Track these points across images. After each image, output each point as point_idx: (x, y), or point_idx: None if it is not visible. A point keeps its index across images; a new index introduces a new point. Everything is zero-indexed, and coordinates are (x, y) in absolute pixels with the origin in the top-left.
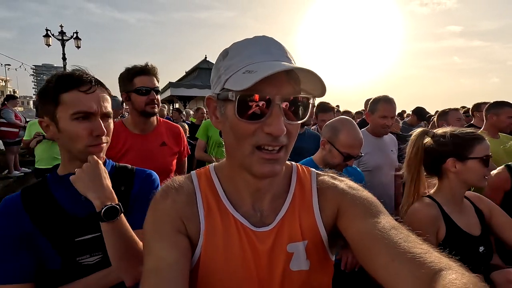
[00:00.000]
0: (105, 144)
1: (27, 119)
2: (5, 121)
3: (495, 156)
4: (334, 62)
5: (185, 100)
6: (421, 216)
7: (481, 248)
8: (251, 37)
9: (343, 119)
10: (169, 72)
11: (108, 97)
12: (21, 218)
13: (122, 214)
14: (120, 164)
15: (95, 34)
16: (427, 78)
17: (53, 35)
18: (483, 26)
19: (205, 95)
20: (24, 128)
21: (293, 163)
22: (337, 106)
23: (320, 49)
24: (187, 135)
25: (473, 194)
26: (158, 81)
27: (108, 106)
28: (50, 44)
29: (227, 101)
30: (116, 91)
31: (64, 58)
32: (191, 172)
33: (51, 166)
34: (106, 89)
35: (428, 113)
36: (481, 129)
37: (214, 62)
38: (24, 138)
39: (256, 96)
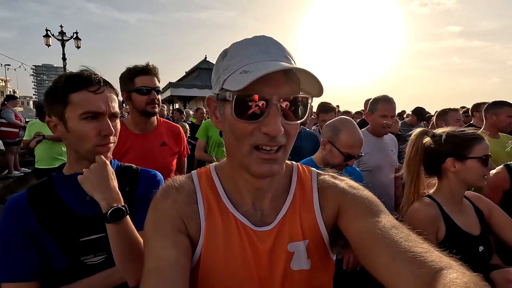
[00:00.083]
0: (112, 144)
1: (27, 119)
2: (5, 121)
3: (495, 156)
4: (334, 62)
5: (185, 100)
6: (421, 216)
7: (481, 248)
8: (251, 37)
9: (343, 119)
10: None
11: (116, 98)
12: (27, 217)
13: (128, 215)
14: (125, 164)
15: (95, 34)
16: (427, 78)
17: (53, 35)
18: (483, 26)
19: (205, 95)
20: (24, 128)
21: (293, 162)
22: (337, 106)
23: (320, 49)
24: (188, 135)
25: (473, 194)
26: (159, 81)
27: (116, 106)
28: (50, 44)
29: (225, 101)
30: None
31: (64, 58)
32: (192, 171)
33: (51, 166)
34: (114, 89)
35: (428, 113)
36: (481, 129)
37: (214, 62)
38: (24, 138)
39: (253, 96)
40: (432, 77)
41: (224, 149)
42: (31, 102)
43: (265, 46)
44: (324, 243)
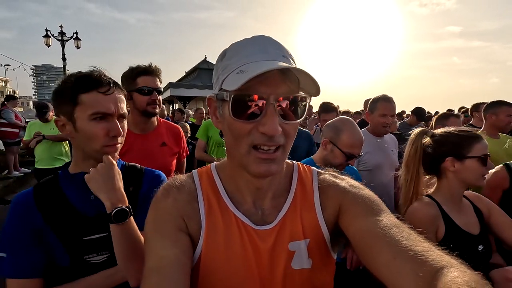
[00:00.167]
0: (120, 145)
1: (27, 120)
2: (5, 121)
3: (495, 156)
4: (334, 62)
5: (185, 100)
6: (420, 216)
7: (480, 247)
8: (250, 37)
9: (344, 119)
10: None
11: (124, 98)
12: (33, 215)
13: (132, 216)
14: (130, 163)
15: (95, 34)
16: (427, 78)
17: (53, 35)
18: (483, 27)
19: (205, 95)
20: (24, 128)
21: (294, 162)
22: (337, 106)
23: (320, 49)
24: (189, 135)
25: (472, 193)
26: (160, 82)
27: (124, 107)
28: (50, 44)
29: (224, 101)
30: None
31: (64, 59)
32: (193, 171)
33: (51, 166)
34: (122, 90)
35: (429, 113)
36: (481, 130)
37: (214, 63)
38: (24, 139)
39: (250, 96)
40: (432, 77)
41: (225, 149)
42: (31, 102)
43: (263, 45)
44: (325, 242)
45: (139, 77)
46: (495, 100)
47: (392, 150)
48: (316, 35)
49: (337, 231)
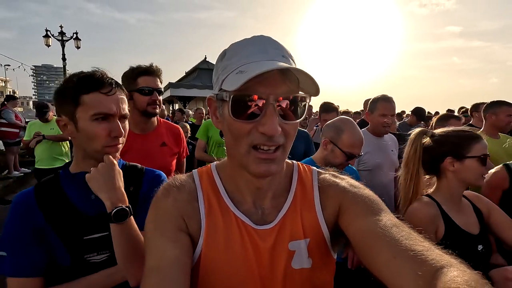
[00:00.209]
0: (121, 145)
1: (27, 120)
2: (5, 121)
3: (495, 156)
4: (334, 62)
5: (184, 100)
6: (420, 215)
7: (480, 247)
8: (249, 37)
9: (344, 119)
10: (169, 72)
11: (126, 99)
12: (34, 214)
13: (132, 216)
14: (130, 163)
15: (95, 34)
16: (427, 78)
17: (53, 35)
18: (483, 27)
19: (204, 95)
20: (24, 128)
21: (294, 161)
22: (337, 106)
23: (320, 49)
24: (189, 135)
25: (472, 193)
26: (161, 82)
27: (126, 107)
28: (50, 44)
29: (223, 101)
30: None
31: (64, 59)
32: (193, 170)
33: (51, 166)
34: (124, 90)
35: (429, 113)
36: (481, 130)
37: (213, 63)
38: (24, 139)
39: (249, 96)
40: (432, 77)
41: (225, 148)
42: (30, 103)
43: (263, 45)
44: (325, 241)
45: (140, 77)
46: (495, 100)
47: (392, 150)
48: (316, 35)
49: (337, 230)
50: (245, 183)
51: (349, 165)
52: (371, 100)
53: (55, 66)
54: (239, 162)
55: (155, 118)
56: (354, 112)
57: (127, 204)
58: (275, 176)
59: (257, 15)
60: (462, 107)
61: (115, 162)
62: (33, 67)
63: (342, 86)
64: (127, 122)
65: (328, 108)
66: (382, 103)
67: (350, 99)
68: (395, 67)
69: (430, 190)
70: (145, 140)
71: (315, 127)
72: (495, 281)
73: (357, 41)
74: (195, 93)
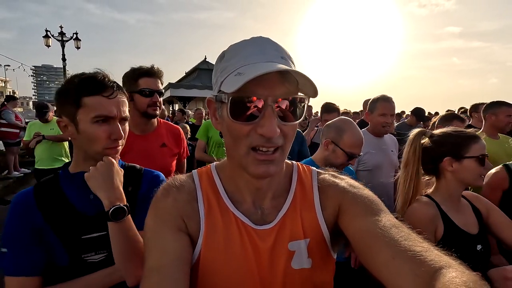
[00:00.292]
0: (120, 147)
1: (27, 120)
2: (5, 122)
3: (495, 156)
4: (334, 62)
5: (184, 101)
6: (419, 215)
7: (479, 247)
8: (248, 38)
9: (344, 120)
10: (168, 73)
11: (126, 101)
12: (33, 214)
13: (130, 215)
14: (129, 163)
15: (94, 34)
16: (427, 78)
17: (53, 35)
18: (483, 27)
19: (204, 95)
20: (24, 129)
21: (293, 162)
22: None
23: (320, 49)
24: (189, 136)
25: (471, 193)
26: (162, 84)
27: (126, 110)
28: (50, 45)
29: (222, 103)
30: None
31: (64, 59)
32: (193, 171)
33: (51, 167)
34: (125, 93)
35: (429, 113)
36: (481, 130)
37: (213, 63)
38: (24, 139)
39: (248, 98)
40: (432, 78)
41: (225, 149)
42: (30, 103)
43: (262, 47)
44: (325, 241)
45: (141, 79)
46: (495, 100)
47: (392, 151)
48: (316, 35)
49: (337, 231)
50: (245, 184)
51: (350, 165)
52: (370, 100)
53: (55, 66)
54: (239, 163)
55: (155, 119)
56: (353, 112)
57: (125, 203)
58: (275, 177)
59: (257, 16)
60: (461, 108)
61: (115, 162)
62: (33, 68)
63: (342, 87)
64: (127, 124)
65: (329, 109)
66: (382, 103)
67: (350, 99)
68: (395, 67)
69: (429, 190)
70: (145, 141)
71: (316, 127)
72: (494, 281)
73: (357, 41)
74: (195, 94)
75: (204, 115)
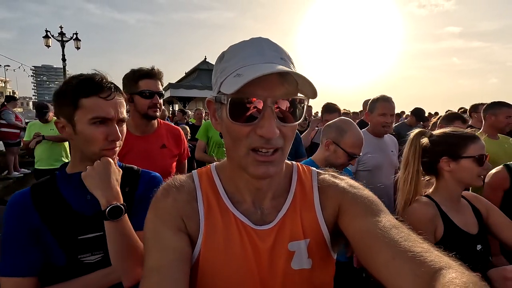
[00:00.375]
0: (118, 148)
1: (27, 120)
2: (5, 122)
3: (495, 156)
4: (333, 62)
5: (184, 101)
6: (419, 215)
7: (479, 247)
8: (248, 39)
9: (345, 120)
10: (168, 73)
11: (124, 102)
12: (30, 214)
13: (126, 214)
14: (127, 165)
15: (94, 34)
16: (427, 78)
17: (52, 36)
18: (483, 27)
19: (204, 96)
20: (24, 129)
21: (293, 162)
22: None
23: (320, 49)
24: (189, 137)
25: (471, 194)
26: (162, 85)
27: (124, 111)
28: (50, 45)
29: (222, 104)
30: None
31: (64, 59)
32: (193, 171)
33: (51, 167)
34: (123, 94)
35: (429, 114)
36: (480, 130)
37: (213, 63)
38: (24, 139)
39: (247, 99)
40: (431, 78)
41: (225, 149)
42: (30, 103)
43: (261, 48)
44: (325, 242)
45: (141, 80)
46: (496, 101)
47: (392, 151)
48: (316, 35)
49: (337, 231)
50: (245, 184)
51: (351, 165)
52: (370, 100)
53: (55, 66)
54: (238, 164)
55: (156, 120)
56: (353, 113)
57: (122, 202)
58: (275, 177)
59: (257, 16)
60: (461, 108)
61: (112, 161)
62: (33, 68)
63: (342, 87)
64: (124, 126)
65: (330, 109)
66: (382, 103)
67: (350, 99)
68: (395, 67)
69: (429, 191)
70: (145, 142)
71: (316, 128)
72: (494, 281)
73: (356, 41)
74: (195, 94)
75: (203, 115)
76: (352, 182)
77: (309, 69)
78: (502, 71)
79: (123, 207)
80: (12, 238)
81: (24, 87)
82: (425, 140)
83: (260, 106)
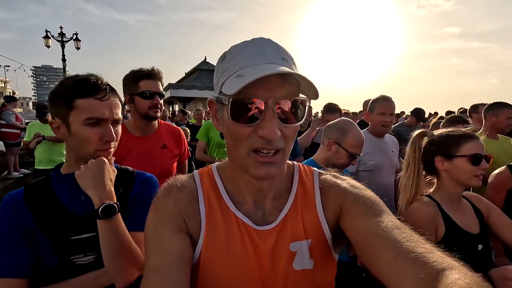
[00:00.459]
0: (112, 149)
1: (27, 120)
2: (5, 122)
3: (494, 157)
4: (334, 63)
5: (184, 101)
6: (420, 215)
7: (480, 246)
8: (250, 39)
9: (346, 120)
10: (168, 73)
11: (119, 103)
12: (23, 215)
13: (119, 214)
14: (122, 166)
15: (94, 35)
16: (426, 79)
17: (52, 36)
18: (482, 27)
19: (204, 96)
20: (24, 129)
21: (294, 162)
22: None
23: (320, 50)
24: (188, 139)
25: (472, 194)
26: (162, 86)
27: (119, 112)
28: (50, 45)
29: (223, 104)
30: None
31: (63, 60)
32: (194, 171)
33: (51, 167)
34: (118, 95)
35: (430, 114)
36: (480, 130)
37: (213, 64)
38: (24, 139)
39: (248, 100)
40: (431, 78)
41: (226, 149)
42: (30, 103)
43: (262, 48)
44: (327, 242)
45: (142, 81)
46: (497, 101)
47: (392, 151)
48: (316, 36)
49: (339, 231)
50: (246, 184)
51: (351, 165)
52: (371, 100)
53: (55, 67)
54: (239, 164)
55: (156, 120)
56: (352, 113)
57: (115, 201)
58: (276, 177)
59: (256, 16)
60: (461, 108)
61: (106, 160)
62: (33, 68)
63: (342, 87)
64: (119, 127)
65: (331, 109)
66: (381, 102)
67: (350, 99)
68: (394, 67)
69: (430, 190)
70: (146, 143)
71: (317, 128)
72: (495, 281)
73: (356, 41)
74: (195, 94)
75: (204, 115)
76: (354, 182)
77: (309, 69)
78: (502, 72)
79: (116, 206)
80: (4, 239)
81: (24, 88)
82: (425, 140)
83: (262, 107)
